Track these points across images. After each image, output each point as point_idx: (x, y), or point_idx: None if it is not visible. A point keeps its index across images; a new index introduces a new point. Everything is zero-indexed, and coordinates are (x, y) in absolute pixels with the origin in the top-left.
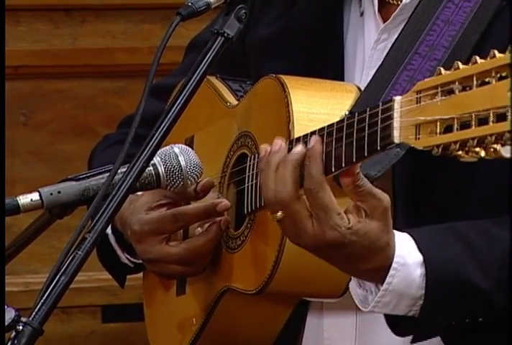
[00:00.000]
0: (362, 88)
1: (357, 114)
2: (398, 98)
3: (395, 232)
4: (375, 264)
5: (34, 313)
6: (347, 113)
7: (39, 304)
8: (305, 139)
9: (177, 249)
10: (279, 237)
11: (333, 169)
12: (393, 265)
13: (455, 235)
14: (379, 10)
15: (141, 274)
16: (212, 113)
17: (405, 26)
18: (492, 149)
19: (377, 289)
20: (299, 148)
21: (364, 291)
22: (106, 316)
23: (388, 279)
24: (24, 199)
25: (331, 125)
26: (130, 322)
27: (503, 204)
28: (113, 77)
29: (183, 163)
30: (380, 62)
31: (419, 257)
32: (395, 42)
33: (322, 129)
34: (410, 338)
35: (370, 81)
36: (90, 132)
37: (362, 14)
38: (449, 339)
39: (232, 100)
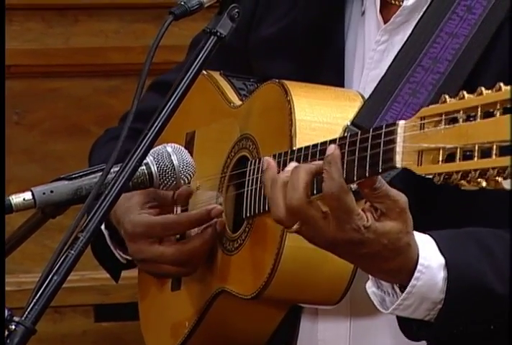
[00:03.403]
0: (362, 89)
1: (360, 133)
2: (401, 123)
3: (416, 233)
4: (396, 264)
5: (26, 313)
6: (349, 123)
7: (32, 303)
8: (306, 151)
9: (171, 249)
10: (277, 244)
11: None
12: (418, 267)
13: (474, 240)
14: (380, 10)
15: (134, 274)
16: (214, 111)
17: (409, 37)
18: (493, 182)
19: (394, 291)
20: (317, 162)
21: (382, 292)
22: (99, 315)
23: (413, 281)
24: (16, 198)
25: (333, 140)
26: (123, 321)
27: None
28: (106, 77)
29: (175, 162)
30: (383, 74)
31: (442, 260)
32: (398, 54)
33: (324, 143)
34: (407, 342)
35: (373, 92)
36: (83, 131)
37: (363, 14)
38: None
39: (235, 99)
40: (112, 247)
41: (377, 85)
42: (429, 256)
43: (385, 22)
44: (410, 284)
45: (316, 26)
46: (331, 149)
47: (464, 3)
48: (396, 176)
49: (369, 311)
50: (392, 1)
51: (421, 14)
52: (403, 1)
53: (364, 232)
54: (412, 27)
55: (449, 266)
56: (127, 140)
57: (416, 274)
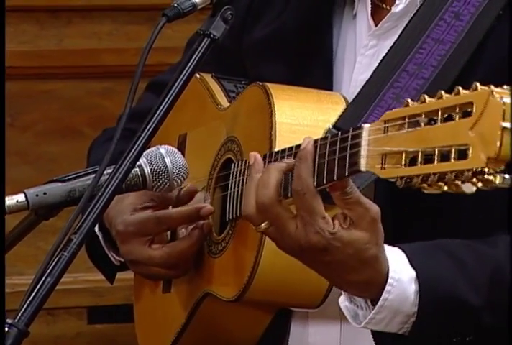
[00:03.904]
0: (351, 94)
1: (329, 137)
2: (366, 126)
3: (386, 246)
4: (364, 277)
5: (19, 315)
6: (331, 126)
7: (25, 305)
8: (283, 154)
9: (160, 252)
10: (256, 247)
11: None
12: (389, 281)
13: (445, 252)
14: (371, 14)
15: (127, 276)
16: (204, 113)
17: (395, 42)
18: (454, 185)
19: (367, 305)
20: (288, 160)
21: (355, 306)
22: (92, 317)
23: (384, 295)
24: (9, 200)
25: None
26: (116, 323)
27: (489, 225)
28: (99, 79)
29: (169, 164)
30: (368, 78)
31: (412, 273)
32: (384, 58)
33: (298, 146)
34: None
35: (357, 96)
36: (76, 133)
37: (354, 17)
38: None
39: (224, 101)
40: (106, 249)
41: (362, 88)
42: (399, 269)
43: (376, 26)
44: (382, 297)
45: (306, 29)
46: (305, 143)
47: (453, 9)
48: (378, 187)
49: None
50: (383, 6)
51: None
52: (392, 7)
53: (329, 238)
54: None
55: (420, 279)
56: (123, 141)
57: (387, 287)
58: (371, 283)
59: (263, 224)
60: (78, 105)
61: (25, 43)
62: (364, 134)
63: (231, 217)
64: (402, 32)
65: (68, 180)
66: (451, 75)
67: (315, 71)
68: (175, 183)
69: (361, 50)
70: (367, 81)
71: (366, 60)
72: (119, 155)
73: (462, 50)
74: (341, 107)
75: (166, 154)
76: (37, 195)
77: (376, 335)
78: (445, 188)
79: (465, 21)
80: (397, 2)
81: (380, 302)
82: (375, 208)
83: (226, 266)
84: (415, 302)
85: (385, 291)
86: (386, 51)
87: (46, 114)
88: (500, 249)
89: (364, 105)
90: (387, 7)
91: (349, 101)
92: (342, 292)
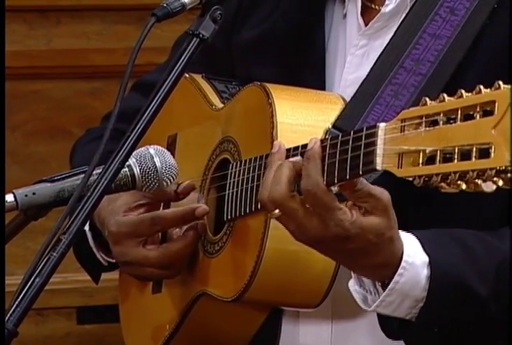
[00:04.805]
0: (341, 93)
1: (340, 136)
2: (382, 125)
3: (400, 231)
4: (380, 260)
5: (8, 315)
6: (330, 126)
7: (14, 306)
8: (288, 153)
9: (155, 252)
10: (258, 247)
11: None
12: (402, 264)
13: (455, 240)
14: (361, 13)
15: (116, 276)
16: (196, 113)
17: (391, 39)
18: (473, 184)
19: (376, 289)
20: (298, 157)
21: (364, 290)
22: (81, 318)
23: (396, 278)
24: None
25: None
26: (105, 323)
27: (489, 220)
28: (88, 79)
29: (158, 164)
30: (365, 76)
31: (425, 258)
32: (380, 55)
33: (304, 145)
34: (386, 343)
35: (354, 95)
36: (65, 133)
37: (344, 16)
38: None
39: (217, 102)
40: (95, 249)
41: (359, 87)
42: (413, 253)
43: (366, 26)
44: (394, 280)
45: (297, 29)
46: (312, 143)
47: (447, 4)
48: (378, 178)
49: (351, 314)
50: (373, 6)
51: (402, 17)
52: (382, 7)
53: (350, 228)
54: (392, 32)
55: (432, 264)
56: (110, 141)
57: (400, 270)
58: (385, 266)
59: (276, 210)
60: (67, 105)
61: (14, 43)
62: (380, 132)
63: (229, 217)
64: (398, 29)
65: (57, 180)
66: (448, 70)
67: (306, 71)
68: (165, 183)
69: (351, 50)
70: (364, 79)
71: (356, 60)
72: (107, 154)
73: (459, 45)
74: (339, 107)
75: (155, 154)
76: (26, 196)
77: (382, 320)
78: (463, 187)
79: (460, 15)
80: (387, 2)
81: (392, 284)
82: (385, 196)
83: (223, 266)
84: (425, 288)
85: (397, 274)
86: (376, 51)
87: (35, 114)
88: (507, 243)
89: (362, 103)
90: (377, 7)
91: (347, 101)
92: (352, 275)
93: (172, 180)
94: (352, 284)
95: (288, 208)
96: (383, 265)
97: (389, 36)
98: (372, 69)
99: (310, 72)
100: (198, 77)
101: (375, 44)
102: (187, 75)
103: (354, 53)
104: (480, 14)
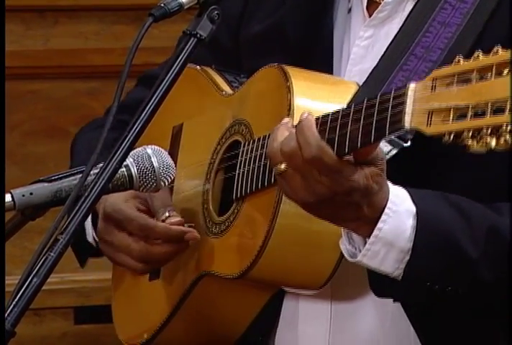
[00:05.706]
0: None
1: (366, 100)
2: (412, 85)
3: (390, 184)
4: (368, 209)
5: (5, 315)
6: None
7: (11, 306)
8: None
9: (139, 246)
10: (268, 222)
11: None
12: (386, 210)
13: (449, 200)
14: (367, 7)
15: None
16: (206, 101)
17: (401, 27)
18: (503, 139)
19: (364, 246)
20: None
21: (353, 248)
22: (79, 318)
23: (379, 224)
24: None
25: (337, 112)
26: (102, 323)
27: (484, 195)
28: (85, 78)
29: (155, 164)
30: (375, 64)
31: (412, 208)
32: (391, 43)
33: (326, 115)
34: (385, 324)
35: (366, 80)
36: (62, 133)
37: (349, 11)
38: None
39: (228, 89)
40: (91, 228)
41: (370, 73)
42: (399, 202)
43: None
44: (377, 227)
45: (304, 23)
46: (304, 114)
47: None
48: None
49: (350, 296)
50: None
51: (407, 6)
52: None
53: (362, 181)
54: (397, 22)
55: (419, 215)
56: (113, 131)
57: (383, 216)
58: (370, 213)
59: (283, 165)
60: (65, 105)
61: (11, 43)
62: (410, 92)
63: (238, 195)
64: (408, 17)
65: (55, 180)
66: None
67: (314, 65)
68: (162, 183)
69: (356, 41)
70: (375, 66)
71: (361, 51)
72: (113, 142)
73: (468, 32)
74: (355, 91)
75: (153, 154)
76: (23, 196)
77: (372, 280)
78: (493, 143)
79: (470, 2)
80: None
81: (375, 231)
82: (380, 153)
83: (229, 244)
84: (410, 238)
85: (380, 220)
86: (381, 41)
87: (32, 114)
88: (505, 217)
89: (374, 89)
90: (381, 1)
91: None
92: (342, 233)
93: (169, 180)
94: (342, 242)
95: (297, 161)
96: (371, 212)
97: (393, 26)
98: (382, 56)
99: (317, 65)
100: (208, 69)
101: (380, 34)
102: (198, 67)
103: (359, 44)
104: (488, 0)
